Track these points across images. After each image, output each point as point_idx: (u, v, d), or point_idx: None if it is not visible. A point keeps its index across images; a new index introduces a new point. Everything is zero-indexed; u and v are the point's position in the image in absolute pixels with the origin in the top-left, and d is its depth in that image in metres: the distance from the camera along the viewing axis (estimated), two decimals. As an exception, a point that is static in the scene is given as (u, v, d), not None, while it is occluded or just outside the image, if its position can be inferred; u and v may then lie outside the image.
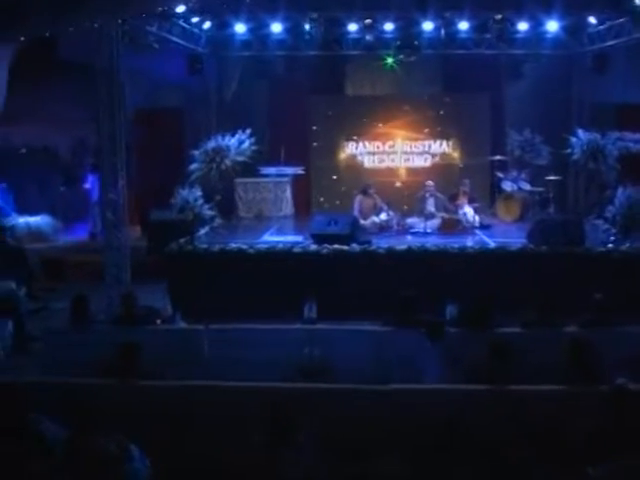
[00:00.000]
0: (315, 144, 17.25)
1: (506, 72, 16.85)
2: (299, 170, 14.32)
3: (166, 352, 8.47)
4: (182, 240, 12.70)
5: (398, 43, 13.75)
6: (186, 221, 12.84)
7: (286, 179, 16.44)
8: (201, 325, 9.22)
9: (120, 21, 11.58)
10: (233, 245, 12.45)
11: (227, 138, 14.75)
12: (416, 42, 13.73)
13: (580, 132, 14.69)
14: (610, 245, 12.27)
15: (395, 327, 8.48)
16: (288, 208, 16.70)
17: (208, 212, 13.17)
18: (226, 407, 6.31)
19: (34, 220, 17.73)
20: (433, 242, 12.60)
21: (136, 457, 5.39)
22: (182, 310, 11.40)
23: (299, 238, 13.27)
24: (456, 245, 12.23)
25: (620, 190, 12.77)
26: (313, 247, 12.28)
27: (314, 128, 17.27)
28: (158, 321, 10.33)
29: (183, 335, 9.13)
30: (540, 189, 15.69)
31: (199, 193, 13.06)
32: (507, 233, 13.87)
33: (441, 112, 17.09)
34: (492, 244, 12.62)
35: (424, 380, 7.46)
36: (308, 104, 17.28)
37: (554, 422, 5.77)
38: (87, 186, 18.32)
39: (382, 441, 6.00)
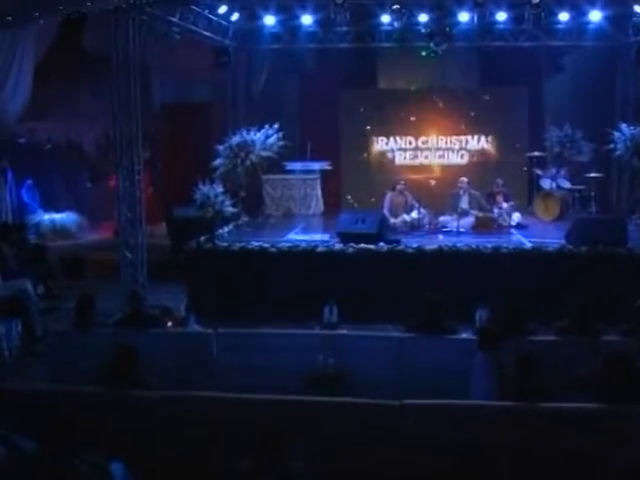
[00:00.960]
0: (346, 140, 16.52)
1: (546, 65, 16.01)
2: (325, 165, 13.60)
3: (172, 357, 7.89)
4: (202, 238, 12.08)
5: (429, 30, 12.92)
6: (208, 218, 12.21)
7: (315, 176, 15.77)
8: (211, 329, 8.66)
9: (137, 9, 10.95)
10: (255, 243, 11.80)
11: (252, 133, 14.13)
12: (448, 29, 12.92)
13: (624, 126, 13.79)
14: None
15: (418, 333, 7.76)
16: (318, 206, 16.00)
17: (230, 209, 12.51)
18: (216, 424, 5.63)
19: (59, 217, 17.35)
20: (465, 242, 11.80)
21: (117, 478, 4.75)
22: (200, 311, 10.89)
23: (325, 237, 12.59)
24: (489, 245, 11.42)
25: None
26: (338, 246, 11.58)
27: (345, 123, 16.54)
28: (169, 323, 9.79)
29: (191, 339, 8.51)
30: (580, 187, 14.83)
31: (220, 189, 12.41)
32: (545, 233, 13.02)
33: (477, 107, 16.25)
34: (528, 244, 11.78)
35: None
36: (339, 98, 16.56)
37: (590, 447, 4.99)
38: (113, 182, 17.75)
39: (394, 467, 5.30)
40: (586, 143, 15.23)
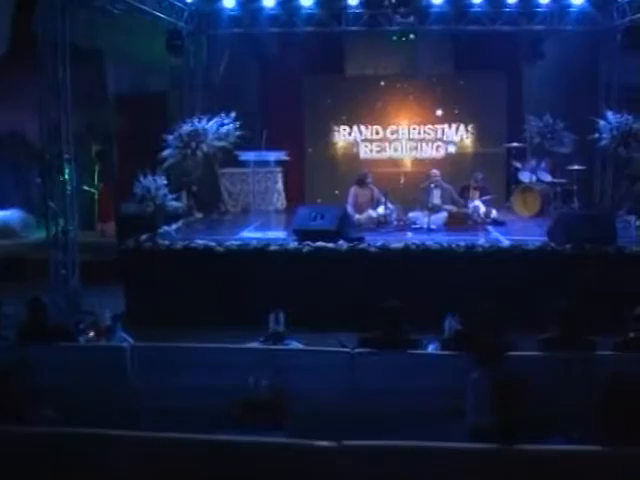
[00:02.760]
0: (310, 130, 15.06)
1: (525, 51, 14.49)
2: (282, 156, 12.12)
3: (76, 376, 6.39)
4: (144, 236, 10.58)
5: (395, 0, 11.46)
6: (149, 214, 10.71)
7: (277, 169, 14.31)
8: (144, 340, 7.29)
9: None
10: (200, 242, 10.30)
11: (205, 121, 12.65)
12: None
13: (609, 114, 12.41)
14: (649, 243, 10.01)
15: (374, 348, 6.30)
16: (279, 202, 14.53)
17: (174, 203, 11.01)
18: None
19: (2, 215, 15.76)
20: (436, 239, 10.34)
21: None
22: (137, 318, 9.54)
23: (282, 235, 11.11)
24: (463, 243, 9.98)
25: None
26: (293, 245, 10.11)
27: (310, 112, 15.08)
28: (91, 333, 8.31)
29: (101, 354, 6.97)
30: (562, 180, 13.43)
31: (163, 181, 10.90)
32: (524, 230, 11.62)
33: (452, 95, 14.83)
34: (506, 242, 10.33)
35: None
36: (303, 86, 15.09)
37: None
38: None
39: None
40: (568, 134, 13.84)
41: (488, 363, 5.58)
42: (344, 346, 6.99)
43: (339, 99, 15.01)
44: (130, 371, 6.50)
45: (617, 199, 13.07)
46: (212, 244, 10.18)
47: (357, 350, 6.29)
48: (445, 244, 9.96)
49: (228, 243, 10.27)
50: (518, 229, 11.73)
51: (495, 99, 14.77)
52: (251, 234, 11.35)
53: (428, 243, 10.02)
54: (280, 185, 14.56)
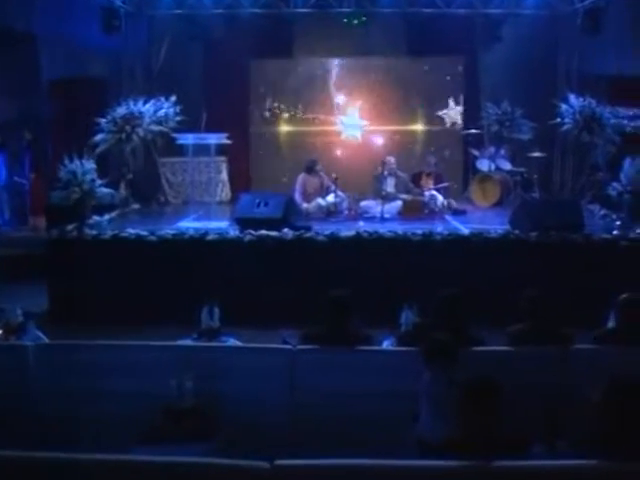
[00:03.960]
0: (257, 116, 14.07)
1: (481, 35, 13.72)
2: (223, 138, 11.11)
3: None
4: (70, 226, 9.50)
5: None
6: (74, 201, 9.62)
7: (221, 159, 13.28)
8: (44, 340, 6.28)
9: None
10: (131, 231, 9.26)
11: (141, 104, 11.60)
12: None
13: (572, 98, 11.64)
14: (615, 232, 9.20)
15: (318, 344, 5.35)
16: (224, 192, 13.52)
17: (104, 190, 9.93)
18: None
19: None
20: (391, 229, 9.43)
21: None
22: (60, 314, 8.52)
23: (224, 224, 10.12)
24: (419, 231, 9.09)
25: (628, 161, 9.70)
26: (233, 233, 9.12)
27: (256, 97, 14.09)
28: (-1, 332, 7.24)
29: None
30: (522, 169, 12.66)
31: (91, 165, 9.82)
32: (484, 219, 10.78)
33: (406, 80, 13.91)
34: (466, 230, 9.45)
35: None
36: (250, 70, 14.07)
37: None
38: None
39: None
40: (527, 122, 13.07)
41: (438, 361, 4.69)
42: (287, 342, 6.05)
43: (287, 83, 14.04)
44: (32, 373, 5.48)
45: (579, 188, 12.27)
46: (144, 233, 9.16)
47: (299, 347, 5.34)
48: (400, 232, 9.05)
49: (162, 232, 9.24)
50: (478, 219, 10.91)
51: (450, 85, 13.92)
52: (190, 224, 10.32)
53: (382, 231, 9.11)
54: (224, 175, 13.56)
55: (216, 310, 6.85)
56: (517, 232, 8.92)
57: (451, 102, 14.07)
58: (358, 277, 8.49)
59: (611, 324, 6.27)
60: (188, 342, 6.43)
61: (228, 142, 11.09)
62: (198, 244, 8.96)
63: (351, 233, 9.10)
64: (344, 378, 5.19)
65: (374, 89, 13.96)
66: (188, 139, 10.89)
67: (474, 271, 8.46)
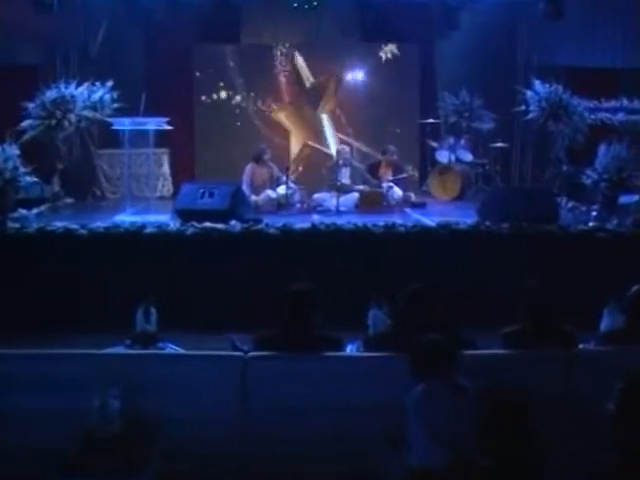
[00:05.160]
0: (201, 103, 12.97)
1: (438, 22, 12.86)
2: (163, 124, 10.00)
3: None
4: (-7, 219, 8.33)
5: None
6: (2, 193, 8.44)
7: (162, 150, 12.17)
8: None
9: None
10: (59, 224, 8.13)
11: (73, 87, 10.45)
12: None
13: (537, 84, 10.84)
14: (592, 223, 8.40)
15: (275, 350, 4.35)
16: (165, 187, 12.40)
17: (28, 179, 8.78)
18: None
19: None
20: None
21: None
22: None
23: (164, 218, 9.04)
24: (382, 223, 8.14)
25: (603, 148, 8.91)
26: (174, 226, 8.06)
27: (201, 83, 12.98)
28: None
29: None
30: (483, 161, 11.84)
31: (14, 152, 8.66)
32: (445, 214, 9.82)
33: (359, 67, 12.97)
34: (431, 222, 8.51)
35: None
36: (194, 55, 12.98)
37: None
38: None
39: None
40: (487, 112, 12.27)
41: (434, 371, 3.74)
42: (237, 347, 5.04)
43: (233, 70, 12.99)
44: None
45: (544, 180, 11.48)
46: (74, 227, 8.03)
47: (252, 353, 4.33)
48: (360, 224, 8.10)
49: (94, 226, 8.13)
50: (439, 212, 9.99)
51: (406, 73, 13.01)
52: (126, 217, 9.22)
53: (340, 223, 8.15)
54: (166, 168, 12.44)
55: (153, 312, 5.86)
56: (488, 223, 8.03)
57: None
58: (314, 273, 7.48)
59: (607, 321, 5.51)
60: (119, 350, 5.42)
61: (169, 128, 9.97)
62: (134, 238, 7.88)
63: (306, 225, 8.15)
64: (307, 390, 4.23)
65: (327, 77, 12.99)
66: (125, 124, 9.74)
67: (443, 265, 7.54)
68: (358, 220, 8.58)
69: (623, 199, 9.69)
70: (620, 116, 12.65)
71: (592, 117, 11.78)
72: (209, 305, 7.28)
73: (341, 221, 8.42)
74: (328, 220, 8.48)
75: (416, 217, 9.34)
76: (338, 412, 4.17)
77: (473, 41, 12.42)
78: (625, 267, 7.61)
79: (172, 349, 5.61)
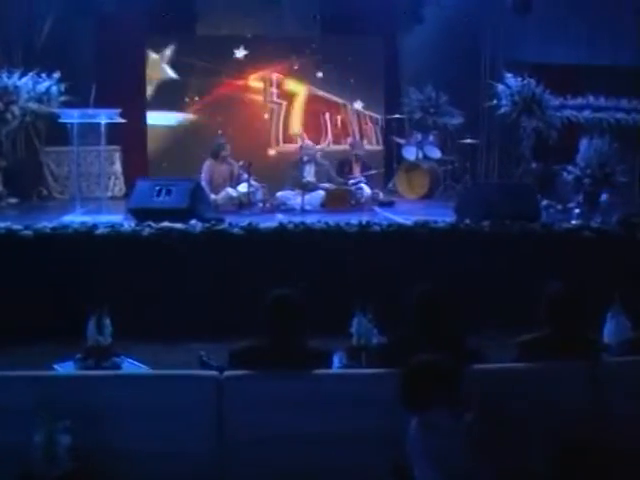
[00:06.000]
0: (155, 97, 12.15)
1: (402, 15, 12.26)
2: (116, 116, 9.15)
3: None
4: None
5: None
6: None
7: (113, 147, 11.31)
8: None
9: None
10: (1, 225, 7.29)
11: (16, 77, 9.59)
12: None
13: (509, 77, 10.31)
14: (574, 222, 7.85)
15: (253, 368, 3.63)
16: (117, 187, 11.58)
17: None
18: None
19: None
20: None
21: None
22: None
23: (117, 218, 8.24)
24: (355, 222, 7.47)
25: (584, 143, 8.39)
26: (129, 227, 7.28)
27: (154, 77, 12.15)
28: None
29: None
30: (452, 158, 11.27)
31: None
32: (416, 212, 9.22)
33: (321, 59, 12.28)
34: (407, 222, 7.85)
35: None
36: (147, 47, 12.14)
37: None
38: None
39: None
40: (453, 109, 11.72)
41: (432, 402, 3.08)
42: (207, 364, 4.33)
43: (188, 62, 12.19)
44: None
45: (513, 178, 10.95)
46: (17, 227, 7.20)
47: (228, 373, 3.60)
48: (332, 223, 7.41)
49: (40, 226, 7.30)
50: (408, 211, 9.37)
51: (370, 67, 12.38)
52: (75, 218, 8.39)
53: (310, 222, 7.45)
54: (118, 167, 11.62)
55: (107, 322, 5.06)
56: (468, 221, 7.42)
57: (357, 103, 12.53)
58: (284, 277, 6.82)
59: (611, 326, 4.94)
60: (68, 367, 4.65)
61: (122, 121, 9.13)
62: (85, 240, 7.06)
63: (273, 225, 7.43)
64: (295, 416, 3.53)
65: (284, 71, 12.29)
66: (73, 116, 8.89)
67: (423, 267, 6.90)
68: (325, 219, 7.88)
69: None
70: (586, 113, 12.30)
71: (558, 114, 11.37)
72: (169, 313, 6.52)
73: (310, 220, 7.72)
74: (296, 219, 7.77)
75: (387, 216, 8.71)
76: (331, 441, 3.50)
77: (439, 35, 11.88)
78: (614, 267, 7.16)
79: (130, 364, 4.86)
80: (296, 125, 12.25)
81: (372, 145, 12.28)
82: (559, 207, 9.13)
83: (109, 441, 3.31)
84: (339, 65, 12.29)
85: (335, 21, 12.23)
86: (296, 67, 12.32)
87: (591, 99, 12.34)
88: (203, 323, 6.47)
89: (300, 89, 12.37)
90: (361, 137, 12.15)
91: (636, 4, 12.15)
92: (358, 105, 12.40)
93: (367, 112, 12.41)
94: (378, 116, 12.37)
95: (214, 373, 3.54)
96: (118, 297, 5.84)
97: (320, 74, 12.31)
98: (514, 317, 6.50)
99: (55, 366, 4.70)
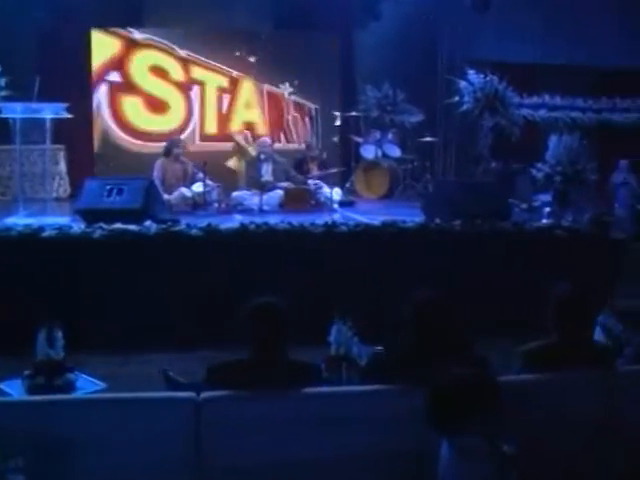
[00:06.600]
0: (100, 94, 11.53)
1: (358, 11, 11.91)
2: (62, 111, 8.53)
3: None
4: None
5: None
6: None
7: (58, 146, 10.71)
8: None
9: None
10: None
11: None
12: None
13: (472, 74, 10.02)
14: (545, 220, 7.57)
15: (236, 388, 3.17)
16: (62, 187, 10.95)
17: None
18: None
19: None
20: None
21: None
22: None
23: (64, 220, 7.68)
24: (319, 222, 7.05)
25: (554, 140, 8.11)
26: (78, 229, 6.73)
27: (99, 73, 11.52)
28: None
29: None
30: (411, 156, 10.94)
31: None
32: (377, 211, 8.85)
33: (271, 57, 11.80)
34: (375, 222, 7.44)
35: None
36: (92, 42, 11.49)
37: None
38: None
39: None
40: (411, 107, 11.40)
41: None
42: (173, 381, 3.86)
43: (135, 56, 11.60)
44: None
45: (476, 177, 10.68)
46: (-45, 231, 6.60)
47: (206, 394, 3.12)
48: (296, 224, 6.97)
49: (-18, 229, 6.71)
50: (369, 211, 9.01)
51: (326, 63, 11.94)
52: (19, 220, 7.79)
53: (273, 223, 6.99)
54: (62, 167, 10.99)
55: (58, 334, 4.57)
56: (438, 221, 7.06)
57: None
58: (246, 281, 6.39)
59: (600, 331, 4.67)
60: (15, 386, 4.14)
61: (68, 116, 8.53)
62: (30, 244, 6.47)
63: (234, 226, 6.96)
64: (279, 439, 3.08)
65: (235, 67, 11.81)
66: (16, 110, 8.25)
67: (394, 268, 6.54)
68: (287, 220, 7.43)
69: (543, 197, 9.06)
70: (542, 112, 12.17)
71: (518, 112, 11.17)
72: (124, 322, 5.97)
73: (270, 220, 7.26)
74: (258, 220, 7.30)
75: (350, 216, 8.30)
76: (323, 468, 3.06)
77: (396, 32, 11.52)
78: (587, 266, 6.89)
79: (86, 381, 4.36)
80: (241, 121, 11.80)
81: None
82: (524, 206, 8.85)
83: (71, 478, 2.81)
84: (292, 62, 11.85)
85: (289, 16, 11.79)
86: (247, 64, 11.83)
87: (547, 98, 12.23)
88: (161, 332, 5.95)
89: (249, 86, 11.90)
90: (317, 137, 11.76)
91: (591, 4, 12.07)
92: (312, 104, 12.01)
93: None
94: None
95: (190, 395, 3.06)
96: (70, 306, 5.32)
97: (266, 70, 11.86)
98: (490, 318, 6.26)
99: (0, 386, 4.18)
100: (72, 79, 11.05)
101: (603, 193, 10.52)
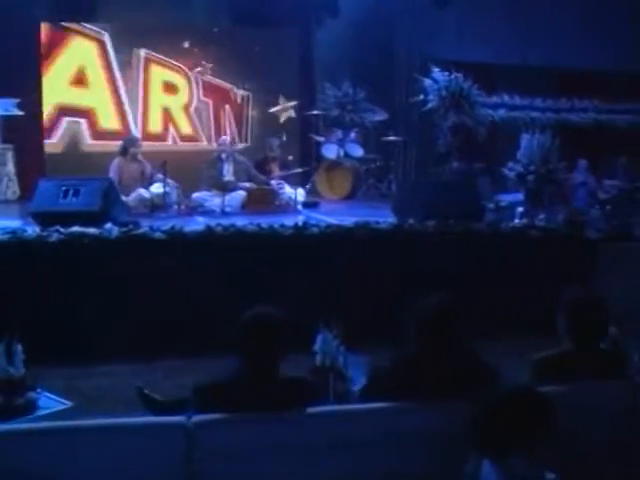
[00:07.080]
0: (51, 92, 10.91)
1: (316, 8, 11.59)
2: (13, 108, 8.02)
3: None
4: None
5: None
6: None
7: (6, 146, 10.21)
8: None
9: None
10: None
11: None
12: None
13: (436, 72, 9.79)
14: (518, 220, 7.37)
15: (237, 404, 2.83)
16: (11, 189, 10.39)
17: None
18: None
19: None
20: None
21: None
22: None
23: (16, 223, 7.21)
24: (289, 224, 6.72)
25: (526, 138, 7.92)
26: (32, 233, 6.28)
27: (49, 70, 10.93)
28: None
29: None
30: (374, 156, 10.68)
31: None
32: (341, 212, 8.56)
33: (229, 53, 11.39)
34: (347, 223, 7.13)
35: None
36: (41, 35, 10.91)
37: None
38: None
39: None
40: (372, 106, 11.14)
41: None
42: (150, 398, 3.50)
43: (87, 51, 11.10)
44: None
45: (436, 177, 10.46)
46: None
47: (197, 418, 2.76)
48: (264, 225, 6.63)
49: None
50: (334, 211, 8.72)
51: (284, 61, 11.58)
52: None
53: (241, 225, 6.64)
54: (11, 167, 10.43)
55: (17, 348, 4.15)
56: (411, 222, 6.79)
57: (281, 99, 11.70)
58: (213, 287, 6.06)
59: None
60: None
61: (19, 113, 8.06)
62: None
63: (199, 228, 6.58)
64: (278, 465, 2.75)
65: (190, 64, 11.39)
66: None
67: (369, 270, 6.27)
68: (252, 221, 7.07)
69: (506, 197, 8.91)
70: (501, 112, 12.04)
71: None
72: (84, 331, 5.56)
73: (234, 222, 6.90)
74: (223, 222, 6.93)
75: (316, 217, 7.97)
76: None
77: (355, 29, 11.22)
78: (563, 267, 6.71)
79: (49, 400, 3.97)
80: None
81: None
82: (491, 206, 8.66)
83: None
84: (249, 58, 11.47)
85: (246, 12, 11.42)
86: (202, 60, 11.42)
87: (506, 98, 12.11)
88: (123, 341, 5.57)
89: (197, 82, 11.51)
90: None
91: (550, 5, 12.00)
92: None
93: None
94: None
95: (180, 419, 2.70)
96: (28, 317, 4.91)
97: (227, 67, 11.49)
98: (471, 319, 6.04)
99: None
100: (21, 75, 10.54)
101: (562, 193, 10.45)
